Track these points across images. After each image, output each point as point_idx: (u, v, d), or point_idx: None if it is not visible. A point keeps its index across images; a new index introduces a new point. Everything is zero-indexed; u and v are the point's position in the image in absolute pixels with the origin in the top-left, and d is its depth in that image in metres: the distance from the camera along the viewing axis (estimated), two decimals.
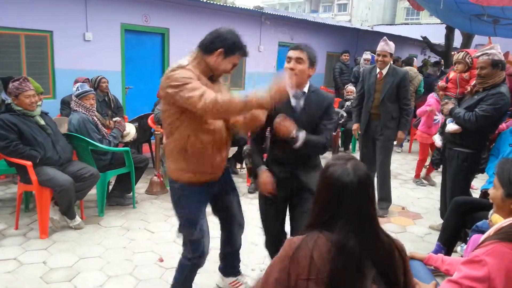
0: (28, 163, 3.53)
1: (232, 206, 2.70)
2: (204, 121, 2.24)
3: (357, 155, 7.53)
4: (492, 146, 3.83)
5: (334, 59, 11.05)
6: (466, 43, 11.21)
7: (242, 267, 3.27)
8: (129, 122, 5.39)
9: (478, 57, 3.55)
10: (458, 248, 3.47)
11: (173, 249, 3.49)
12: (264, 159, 2.73)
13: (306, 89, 2.52)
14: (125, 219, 4.13)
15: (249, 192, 5.15)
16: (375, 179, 4.63)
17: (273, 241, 2.73)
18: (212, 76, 2.33)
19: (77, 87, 4.17)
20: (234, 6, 9.49)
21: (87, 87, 4.23)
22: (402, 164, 7.10)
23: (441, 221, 4.06)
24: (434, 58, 12.74)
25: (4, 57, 6.01)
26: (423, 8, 9.42)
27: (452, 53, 9.03)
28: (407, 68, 7.66)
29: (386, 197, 4.54)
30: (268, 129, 2.63)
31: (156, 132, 4.94)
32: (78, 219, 3.86)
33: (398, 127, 4.37)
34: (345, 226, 1.34)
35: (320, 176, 1.46)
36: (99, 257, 3.35)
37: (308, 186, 2.49)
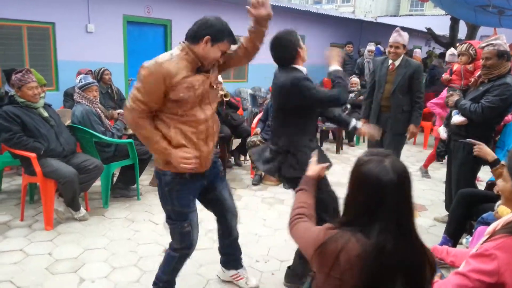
0: (32, 155, 3.53)
1: (223, 197, 2.69)
2: (184, 113, 2.23)
3: (361, 147, 7.53)
4: (497, 138, 3.80)
5: None
6: (471, 34, 11.11)
7: (246, 258, 3.27)
8: None
9: (483, 47, 3.51)
10: (464, 240, 3.46)
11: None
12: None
13: None
14: (129, 211, 4.14)
15: (253, 184, 5.15)
16: None
17: None
18: (200, 67, 2.27)
19: (80, 79, 4.16)
20: None
21: (90, 79, 4.22)
22: (408, 156, 7.08)
23: (446, 213, 4.06)
24: (438, 49, 12.64)
25: (7, 49, 5.99)
26: None
27: (456, 44, 8.97)
28: None
29: None
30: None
31: None
32: (82, 210, 3.87)
33: (410, 121, 4.18)
34: (384, 229, 1.27)
35: (353, 173, 1.39)
36: (104, 248, 3.36)
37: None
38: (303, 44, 2.76)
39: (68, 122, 4.19)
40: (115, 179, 4.53)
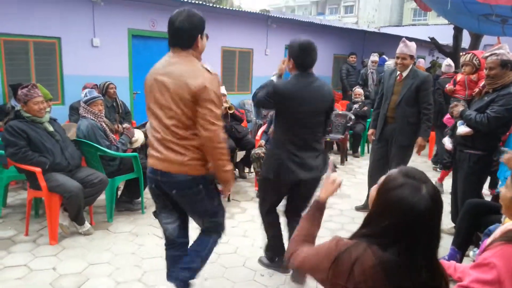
0: (37, 170, 3.55)
1: None
2: None
3: (366, 158, 7.49)
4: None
5: (341, 61, 11.02)
6: (475, 43, 11.10)
7: (250, 272, 3.26)
8: (137, 127, 5.40)
9: (486, 57, 3.50)
10: (471, 253, 3.42)
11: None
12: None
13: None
14: (134, 225, 4.13)
15: (258, 197, 5.12)
16: None
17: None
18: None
19: (85, 93, 4.19)
20: (240, 10, 9.50)
21: (95, 93, 4.26)
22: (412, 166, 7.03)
23: (452, 224, 4.01)
24: (442, 59, 12.63)
25: (14, 64, 6.07)
26: (431, 9, 9.37)
27: (460, 54, 8.95)
28: None
29: None
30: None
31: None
32: (87, 225, 3.86)
33: (418, 134, 4.07)
34: (406, 250, 1.22)
35: (383, 194, 1.29)
36: (108, 263, 3.35)
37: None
38: None
39: (70, 133, 4.21)
40: (119, 192, 4.53)
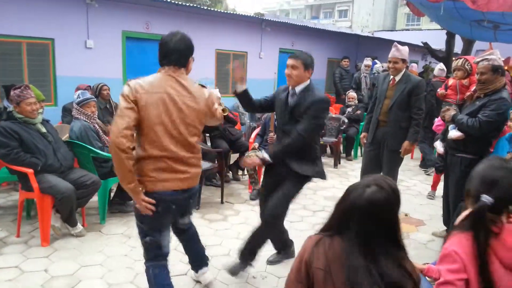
0: (30, 171, 3.53)
1: None
2: None
3: (359, 161, 7.53)
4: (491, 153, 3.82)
5: (335, 65, 11.07)
6: (467, 49, 11.21)
7: (244, 274, 3.26)
8: None
9: (478, 62, 3.55)
10: None
11: (174, 257, 3.47)
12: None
13: (300, 88, 2.98)
14: (126, 227, 4.12)
15: (251, 199, 5.14)
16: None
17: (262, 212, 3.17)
18: None
19: (78, 95, 4.18)
20: (235, 13, 9.53)
21: (88, 94, 4.24)
22: (404, 170, 7.08)
23: (444, 227, 4.05)
24: (435, 63, 12.74)
25: (6, 65, 6.03)
26: (424, 14, 9.44)
27: (452, 59, 9.03)
28: None
29: None
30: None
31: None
32: (79, 226, 3.85)
33: (406, 137, 4.09)
34: (351, 238, 1.49)
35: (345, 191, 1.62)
36: (101, 265, 3.34)
37: (298, 172, 3.00)
38: None
39: (65, 136, 4.19)
40: (112, 194, 4.52)
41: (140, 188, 2.33)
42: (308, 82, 3.00)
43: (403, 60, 4.08)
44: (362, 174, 4.56)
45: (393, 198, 1.56)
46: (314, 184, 5.88)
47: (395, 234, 1.57)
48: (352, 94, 8.03)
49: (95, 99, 4.38)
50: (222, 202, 4.95)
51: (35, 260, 3.36)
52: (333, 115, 7.66)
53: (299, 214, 4.69)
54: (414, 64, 10.09)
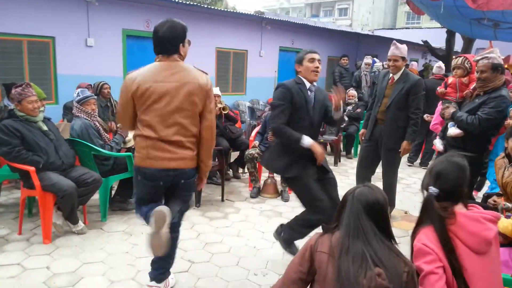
0: (31, 169, 3.55)
1: None
2: None
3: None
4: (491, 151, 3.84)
5: (335, 64, 11.09)
6: (467, 47, 11.24)
7: (244, 271, 3.29)
8: None
9: (477, 61, 3.56)
10: None
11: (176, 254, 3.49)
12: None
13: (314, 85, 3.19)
14: (127, 224, 4.14)
15: (252, 197, 5.16)
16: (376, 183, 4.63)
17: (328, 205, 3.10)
18: None
19: (78, 93, 4.18)
20: (235, 11, 9.53)
21: (87, 92, 4.24)
22: (405, 168, 7.10)
23: None
24: (435, 62, 12.78)
25: (7, 63, 6.04)
26: (424, 12, 9.45)
27: (452, 57, 9.04)
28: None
29: (389, 203, 4.49)
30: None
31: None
32: (81, 224, 3.86)
33: (404, 137, 4.09)
34: (344, 229, 1.72)
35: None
36: (102, 262, 3.36)
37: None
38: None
39: (66, 134, 4.20)
40: (113, 192, 4.53)
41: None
42: None
43: (403, 58, 4.08)
44: (358, 168, 4.58)
45: (379, 193, 1.79)
46: None
47: (385, 225, 1.76)
48: (352, 92, 8.04)
49: (95, 96, 4.39)
50: (222, 200, 4.97)
51: (37, 258, 3.38)
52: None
53: (299, 212, 4.70)
54: (414, 63, 10.11)
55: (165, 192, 2.73)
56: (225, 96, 8.12)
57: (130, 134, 4.61)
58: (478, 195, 4.81)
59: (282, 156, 3.17)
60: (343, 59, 9.89)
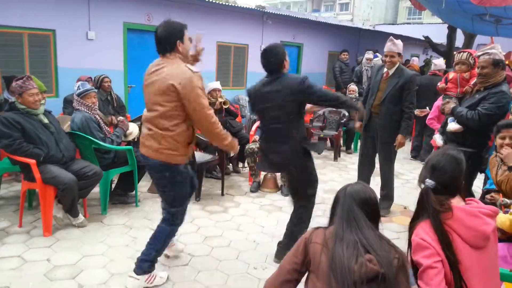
0: (32, 161, 3.55)
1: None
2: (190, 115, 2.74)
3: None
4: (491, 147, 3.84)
5: (336, 58, 11.07)
6: (468, 43, 11.21)
7: (244, 265, 3.31)
8: (132, 121, 5.41)
9: (479, 56, 3.56)
10: None
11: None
12: None
13: None
14: (128, 217, 4.15)
15: (251, 191, 5.17)
16: (374, 179, 4.64)
17: None
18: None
19: (78, 86, 4.17)
20: (236, 5, 9.50)
21: (87, 85, 4.24)
22: (404, 164, 7.11)
23: None
24: (436, 57, 12.75)
25: (7, 56, 6.03)
26: (425, 7, 9.42)
27: (454, 53, 9.02)
28: None
29: (387, 197, 4.54)
30: None
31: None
32: (81, 217, 3.88)
33: (399, 131, 4.18)
34: (337, 221, 1.78)
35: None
36: (102, 255, 3.37)
37: None
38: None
39: (67, 128, 4.21)
40: (113, 185, 4.55)
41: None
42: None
43: (399, 54, 4.17)
44: (359, 164, 4.70)
45: (370, 190, 1.84)
46: None
47: (376, 219, 1.82)
48: (353, 87, 8.03)
49: (95, 90, 4.38)
50: (222, 194, 4.98)
51: (37, 250, 3.39)
52: (334, 109, 7.66)
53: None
54: (415, 58, 10.09)
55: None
56: (226, 90, 8.11)
57: (131, 128, 4.62)
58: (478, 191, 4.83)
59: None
60: (343, 54, 9.86)
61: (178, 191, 2.87)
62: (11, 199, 4.50)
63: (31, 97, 3.64)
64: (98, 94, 4.80)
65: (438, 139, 4.18)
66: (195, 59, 3.05)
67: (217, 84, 5.72)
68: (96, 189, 4.15)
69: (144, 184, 5.01)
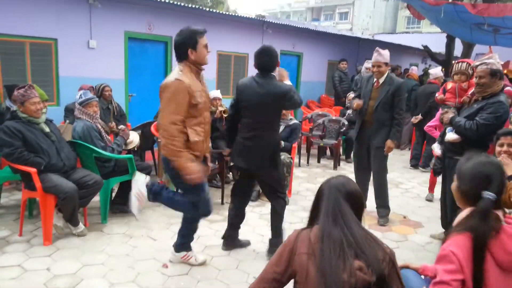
0: (33, 170, 3.57)
1: None
2: (199, 115, 2.94)
3: None
4: None
5: (335, 68, 11.13)
6: (467, 52, 11.28)
7: (243, 274, 3.31)
8: (132, 129, 5.43)
9: (476, 66, 3.59)
10: None
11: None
12: None
13: None
14: (128, 226, 4.16)
15: (251, 200, 5.15)
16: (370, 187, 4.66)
17: None
18: (200, 68, 3.03)
19: (80, 95, 4.20)
20: (236, 15, 9.57)
21: (90, 94, 4.26)
22: (403, 173, 7.12)
23: (442, 230, 4.08)
24: (434, 67, 12.82)
25: (9, 64, 6.07)
26: (424, 17, 9.51)
27: (452, 62, 9.08)
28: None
29: (383, 205, 4.56)
30: None
31: (159, 140, 4.97)
32: (81, 226, 3.88)
33: (388, 136, 4.34)
34: (322, 217, 1.72)
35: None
36: (102, 264, 3.38)
37: None
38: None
39: (68, 136, 4.22)
40: (114, 194, 4.55)
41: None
42: None
43: (386, 64, 4.35)
44: (355, 173, 4.92)
45: (354, 183, 1.82)
46: (313, 185, 5.93)
47: (360, 213, 1.79)
48: (352, 96, 8.05)
49: (97, 99, 4.41)
50: (222, 203, 4.99)
51: (37, 259, 3.39)
52: (333, 118, 7.69)
53: (299, 215, 4.73)
54: (414, 67, 10.13)
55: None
56: (226, 99, 8.14)
57: (132, 136, 4.64)
58: None
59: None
60: (342, 63, 9.92)
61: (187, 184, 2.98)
62: (11, 208, 4.51)
63: (33, 105, 3.66)
64: (99, 103, 4.82)
65: (436, 148, 4.19)
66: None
67: (217, 93, 5.76)
68: (96, 198, 4.16)
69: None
